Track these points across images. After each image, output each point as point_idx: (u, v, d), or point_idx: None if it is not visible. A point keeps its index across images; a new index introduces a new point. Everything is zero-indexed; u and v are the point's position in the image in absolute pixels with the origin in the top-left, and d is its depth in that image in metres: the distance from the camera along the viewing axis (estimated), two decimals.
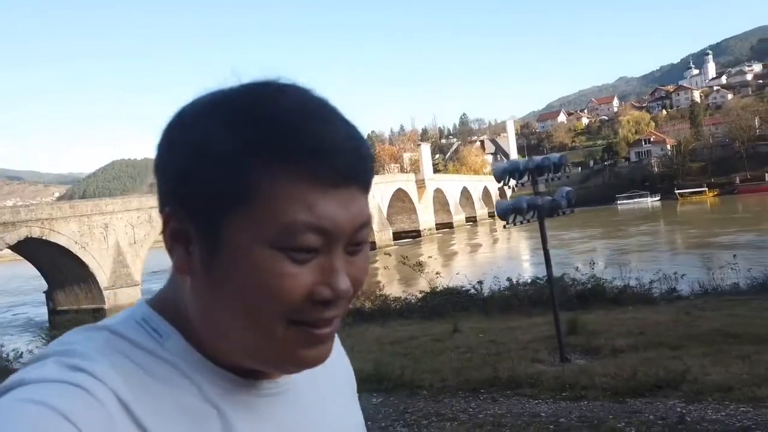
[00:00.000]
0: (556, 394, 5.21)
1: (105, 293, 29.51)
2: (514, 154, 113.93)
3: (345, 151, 0.48)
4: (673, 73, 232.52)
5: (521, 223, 6.52)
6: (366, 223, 0.50)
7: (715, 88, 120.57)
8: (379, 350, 7.90)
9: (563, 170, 6.59)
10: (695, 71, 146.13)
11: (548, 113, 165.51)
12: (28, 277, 40.24)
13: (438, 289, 12.85)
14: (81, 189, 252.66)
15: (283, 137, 0.46)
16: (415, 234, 59.61)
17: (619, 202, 77.28)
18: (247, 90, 0.49)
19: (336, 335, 0.61)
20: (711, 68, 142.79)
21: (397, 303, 12.34)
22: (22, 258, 32.43)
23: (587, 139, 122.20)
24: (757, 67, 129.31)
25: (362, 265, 0.52)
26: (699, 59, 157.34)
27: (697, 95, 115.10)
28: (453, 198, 72.45)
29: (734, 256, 11.30)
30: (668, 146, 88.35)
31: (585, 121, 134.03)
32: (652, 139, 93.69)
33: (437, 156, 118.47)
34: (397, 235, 57.18)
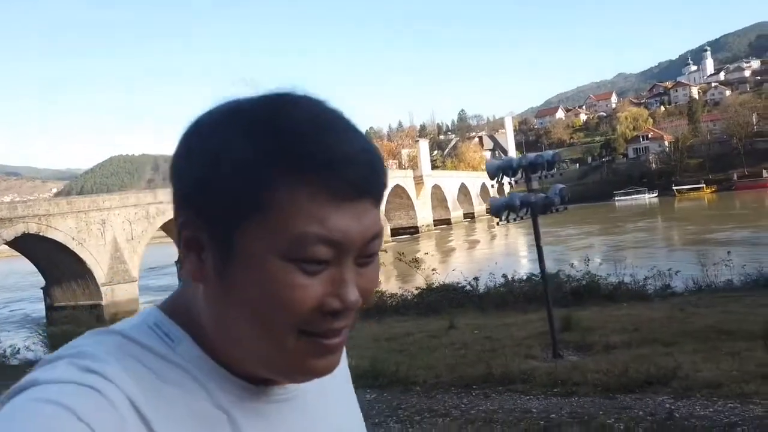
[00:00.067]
0: (548, 390, 5.25)
1: (102, 289, 29.48)
2: (512, 151, 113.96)
3: (359, 164, 0.48)
4: (672, 69, 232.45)
5: (514, 220, 6.55)
6: (377, 235, 0.51)
7: (713, 84, 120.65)
8: (375, 347, 7.93)
9: (557, 167, 6.60)
10: (693, 67, 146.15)
11: (546, 109, 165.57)
12: (25, 273, 40.22)
13: (434, 286, 12.89)
14: (78, 185, 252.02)
15: (300, 148, 0.46)
16: (413, 230, 59.69)
17: (616, 198, 77.40)
18: (264, 100, 0.49)
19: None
20: (709, 64, 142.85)
21: (394, 299, 12.37)
22: (19, 254, 32.40)
23: (585, 135, 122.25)
24: (756, 64, 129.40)
25: (372, 276, 0.52)
26: (697, 55, 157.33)
27: (695, 91, 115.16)
28: (451, 194, 72.52)
29: (728, 252, 11.33)
30: (666, 143, 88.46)
31: (583, 117, 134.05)
32: (650, 136, 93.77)
33: (435, 152, 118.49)
34: (395, 232, 57.25)
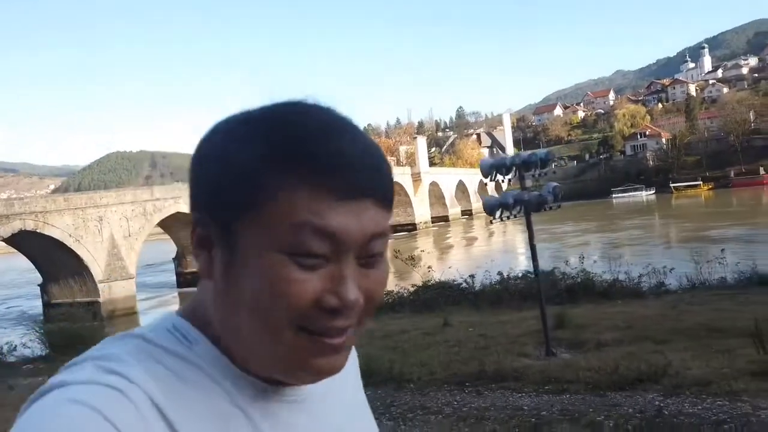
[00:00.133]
0: (540, 387, 5.29)
1: (100, 286, 29.44)
2: (510, 148, 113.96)
3: (359, 164, 0.49)
4: (670, 66, 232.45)
5: (508, 218, 6.57)
6: (380, 235, 0.51)
7: (710, 81, 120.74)
8: (369, 344, 7.97)
9: (550, 166, 6.63)
10: (691, 65, 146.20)
11: (545, 106, 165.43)
12: (23, 269, 40.17)
13: (430, 283, 12.92)
14: (76, 181, 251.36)
15: (300, 149, 0.49)
16: (411, 227, 59.70)
17: (614, 195, 77.52)
18: (273, 108, 0.52)
19: (354, 351, 0.66)
20: (707, 62, 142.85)
21: (389, 297, 12.38)
22: (15, 251, 32.35)
23: (583, 132, 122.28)
24: (753, 61, 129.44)
25: (378, 278, 0.52)
26: (695, 53, 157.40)
27: (692, 89, 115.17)
28: (449, 191, 72.53)
29: (722, 250, 11.39)
30: (663, 140, 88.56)
31: (581, 114, 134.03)
32: (647, 133, 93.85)
33: (433, 149, 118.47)
34: (393, 229, 55.50)
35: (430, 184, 67.64)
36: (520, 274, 12.24)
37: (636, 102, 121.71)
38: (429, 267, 14.02)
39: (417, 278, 13.76)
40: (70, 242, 28.83)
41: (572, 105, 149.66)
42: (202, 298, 0.55)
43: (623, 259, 14.20)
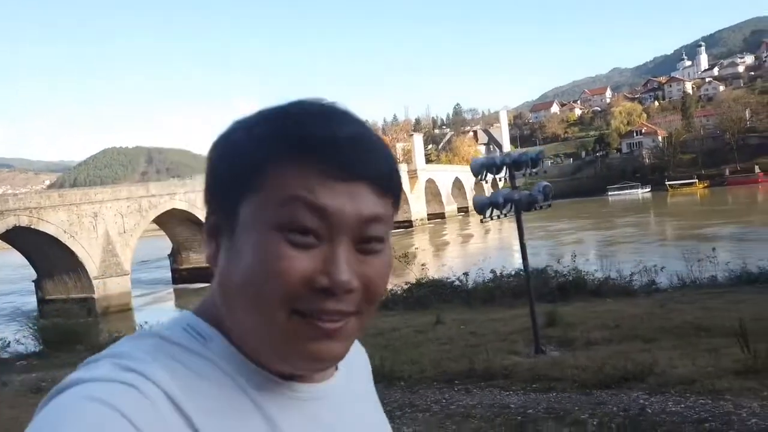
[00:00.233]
0: (528, 385, 5.32)
1: (94, 282, 29.42)
2: (506, 145, 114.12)
3: (352, 148, 0.51)
4: (667, 64, 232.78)
5: (498, 217, 6.61)
6: (376, 219, 0.52)
7: (707, 79, 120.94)
8: (361, 342, 7.99)
9: (540, 165, 6.66)
10: (688, 63, 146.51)
11: (541, 104, 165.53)
12: (17, 265, 40.06)
13: (423, 281, 12.97)
14: (72, 177, 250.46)
15: (294, 132, 0.51)
16: (407, 224, 59.74)
17: (610, 193, 77.67)
18: (283, 104, 0.54)
19: (365, 356, 0.70)
20: (704, 60, 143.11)
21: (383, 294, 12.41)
22: (10, 247, 32.26)
23: (580, 130, 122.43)
24: (749, 59, 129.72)
25: (378, 267, 0.53)
26: (692, 51, 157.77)
27: (689, 87, 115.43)
28: (445, 188, 72.56)
29: (713, 249, 11.46)
30: (659, 138, 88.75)
31: (578, 112, 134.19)
32: (643, 131, 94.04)
33: (430, 146, 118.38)
34: None
35: (427, 181, 67.66)
36: (513, 272, 12.29)
37: (632, 100, 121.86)
38: (423, 265, 14.06)
39: (411, 276, 13.79)
40: (64, 238, 28.79)
41: (569, 102, 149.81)
42: (214, 297, 0.56)
43: (615, 257, 14.29)
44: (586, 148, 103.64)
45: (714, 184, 73.19)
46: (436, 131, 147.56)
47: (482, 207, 6.43)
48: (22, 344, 11.52)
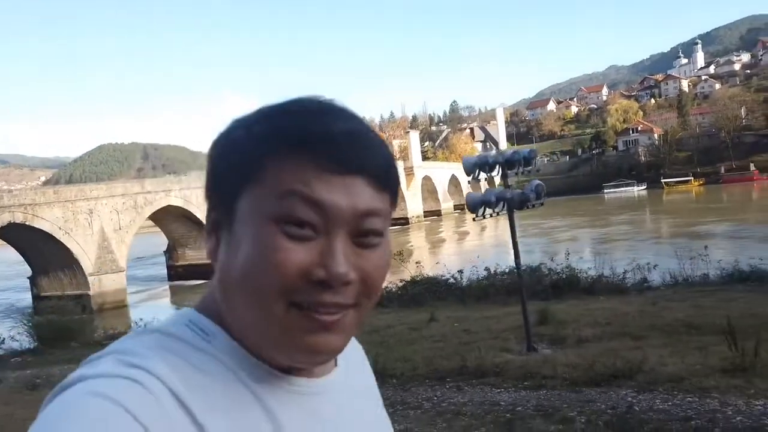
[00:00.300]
0: (519, 383, 5.36)
1: (90, 279, 29.37)
2: (503, 142, 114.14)
3: (347, 143, 0.52)
4: (663, 61, 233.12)
5: (491, 216, 6.64)
6: (373, 213, 0.53)
7: (703, 77, 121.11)
8: (357, 339, 8.02)
9: (533, 164, 6.70)
10: (684, 60, 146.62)
11: (538, 101, 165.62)
12: (12, 262, 39.94)
13: (418, 278, 13.00)
14: (67, 173, 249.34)
15: (289, 125, 0.52)
16: (404, 221, 59.79)
17: (606, 190, 77.86)
18: (278, 102, 0.55)
19: (362, 352, 0.71)
20: (700, 57, 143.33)
21: None
22: (5, 243, 32.17)
23: (576, 127, 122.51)
24: (745, 57, 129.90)
25: (376, 260, 0.53)
26: (688, 48, 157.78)
27: (685, 84, 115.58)
28: (441, 185, 72.61)
29: (705, 247, 11.53)
30: (655, 135, 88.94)
31: (574, 109, 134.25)
32: (639, 128, 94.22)
33: (427, 143, 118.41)
34: None
35: (423, 178, 67.69)
36: (507, 270, 12.33)
37: (629, 97, 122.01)
38: (417, 262, 14.09)
39: (407, 273, 13.83)
40: (59, 235, 28.72)
41: (565, 100, 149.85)
42: (214, 294, 0.57)
43: (609, 255, 14.36)
44: (582, 145, 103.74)
45: (709, 182, 73.45)
46: (433, 128, 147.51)
47: (475, 205, 6.46)
48: (17, 341, 11.50)
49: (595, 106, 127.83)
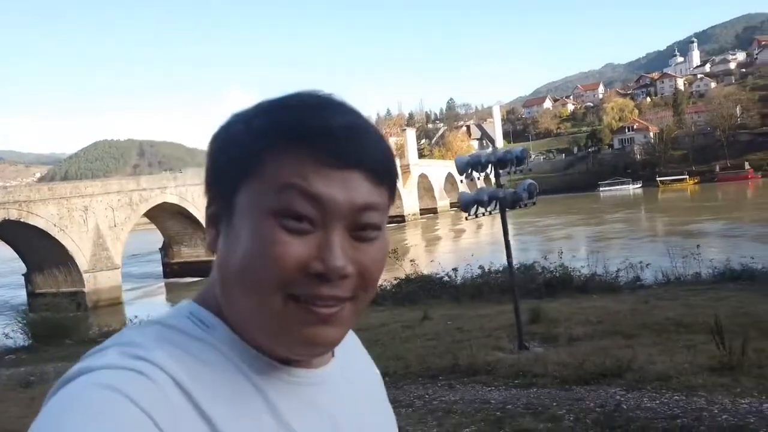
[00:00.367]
0: (510, 381, 5.40)
1: (85, 276, 29.33)
2: (499, 140, 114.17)
3: (344, 137, 0.52)
4: (659, 60, 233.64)
5: (483, 215, 6.68)
6: (370, 207, 0.53)
7: (698, 76, 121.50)
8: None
9: (525, 163, 6.73)
10: (680, 59, 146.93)
11: (534, 99, 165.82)
12: (6, 259, 39.78)
13: (413, 276, 13.04)
14: (63, 170, 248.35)
15: (287, 120, 0.53)
16: (400, 219, 59.85)
17: (601, 189, 78.14)
18: (277, 97, 0.56)
19: (360, 345, 0.73)
20: (696, 56, 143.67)
21: None
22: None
23: (572, 125, 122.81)
24: (741, 56, 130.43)
25: (373, 254, 0.54)
26: (684, 47, 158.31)
27: (681, 83, 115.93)
28: (438, 183, 72.68)
29: (698, 246, 11.60)
30: (651, 134, 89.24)
31: (570, 107, 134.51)
32: (635, 127, 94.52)
33: (423, 141, 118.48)
34: None
35: (419, 176, 67.73)
36: (501, 268, 12.37)
37: (625, 96, 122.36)
38: (412, 260, 14.12)
39: (401, 271, 13.87)
40: (54, 232, 28.65)
41: (562, 98, 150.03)
42: (214, 286, 0.58)
43: (603, 253, 14.42)
44: (578, 143, 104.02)
45: (704, 181, 73.80)
46: (429, 126, 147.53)
47: (467, 205, 6.50)
48: (11, 338, 11.49)
49: (591, 104, 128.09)
